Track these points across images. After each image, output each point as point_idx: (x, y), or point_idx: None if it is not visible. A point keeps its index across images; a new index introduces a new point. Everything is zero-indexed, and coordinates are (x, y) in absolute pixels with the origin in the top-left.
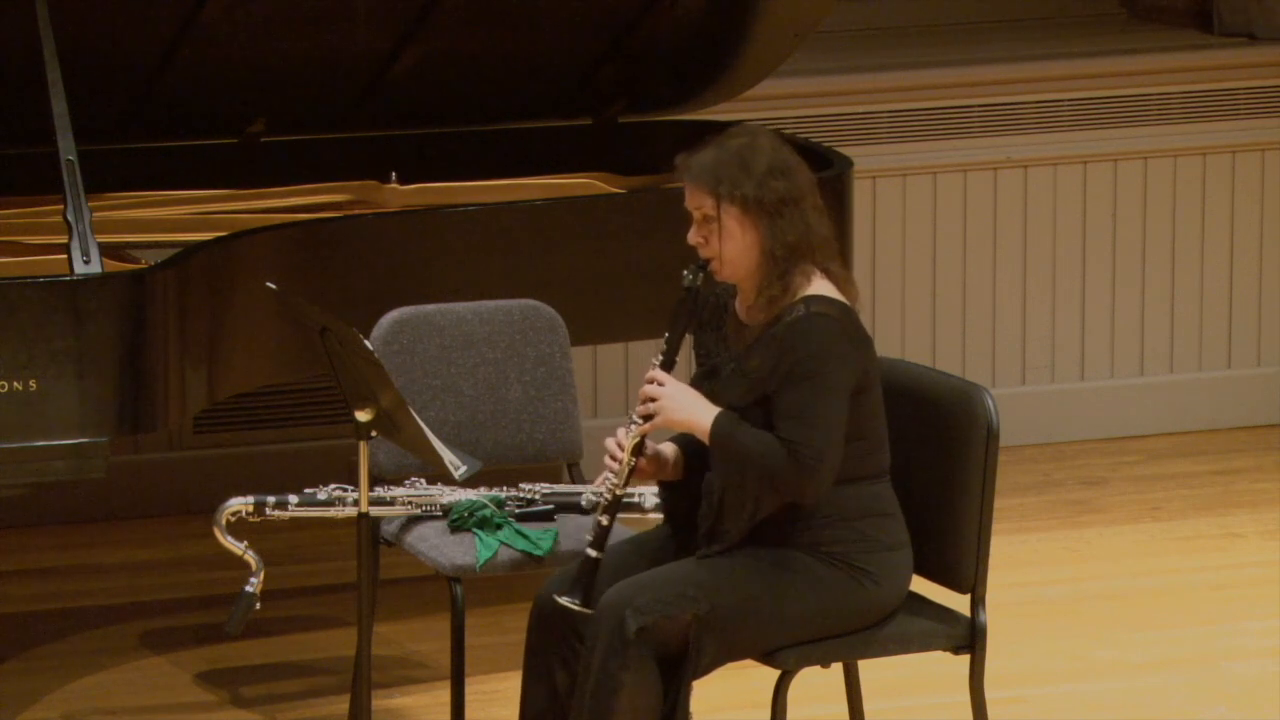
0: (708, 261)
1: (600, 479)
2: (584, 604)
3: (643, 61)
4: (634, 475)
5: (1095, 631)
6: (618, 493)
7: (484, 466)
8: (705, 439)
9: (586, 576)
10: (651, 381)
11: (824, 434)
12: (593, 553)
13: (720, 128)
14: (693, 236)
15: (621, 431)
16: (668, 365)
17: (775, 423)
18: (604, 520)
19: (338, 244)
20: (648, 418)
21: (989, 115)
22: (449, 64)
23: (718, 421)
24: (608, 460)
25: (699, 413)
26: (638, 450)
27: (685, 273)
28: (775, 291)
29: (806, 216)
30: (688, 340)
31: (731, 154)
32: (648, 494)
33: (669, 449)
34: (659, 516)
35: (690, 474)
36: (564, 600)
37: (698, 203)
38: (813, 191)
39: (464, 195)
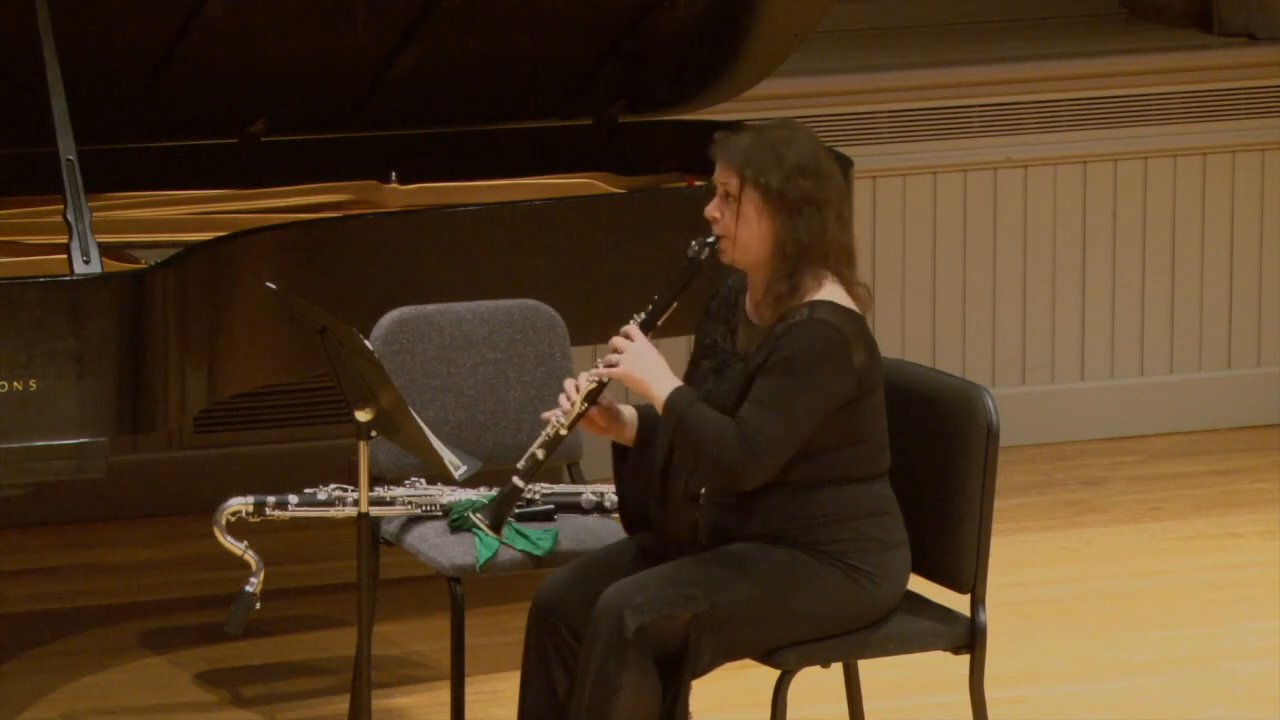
0: (717, 239)
1: (549, 413)
2: (493, 528)
3: (643, 61)
4: (584, 421)
5: (1095, 631)
6: (561, 432)
7: (484, 466)
8: (659, 405)
9: (505, 503)
10: (624, 336)
11: (781, 428)
12: (519, 482)
13: (721, 128)
14: (710, 210)
15: (583, 375)
16: (647, 325)
17: (743, 405)
18: (539, 454)
19: (338, 244)
20: (609, 367)
21: (989, 115)
22: (449, 64)
23: (675, 393)
24: (561, 398)
25: (658, 379)
26: (591, 397)
27: (693, 243)
28: (782, 290)
29: (826, 221)
30: (689, 333)
31: (767, 142)
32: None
33: (628, 410)
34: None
35: (641, 445)
36: (475, 517)
37: (724, 178)
38: (840, 199)
39: (464, 195)
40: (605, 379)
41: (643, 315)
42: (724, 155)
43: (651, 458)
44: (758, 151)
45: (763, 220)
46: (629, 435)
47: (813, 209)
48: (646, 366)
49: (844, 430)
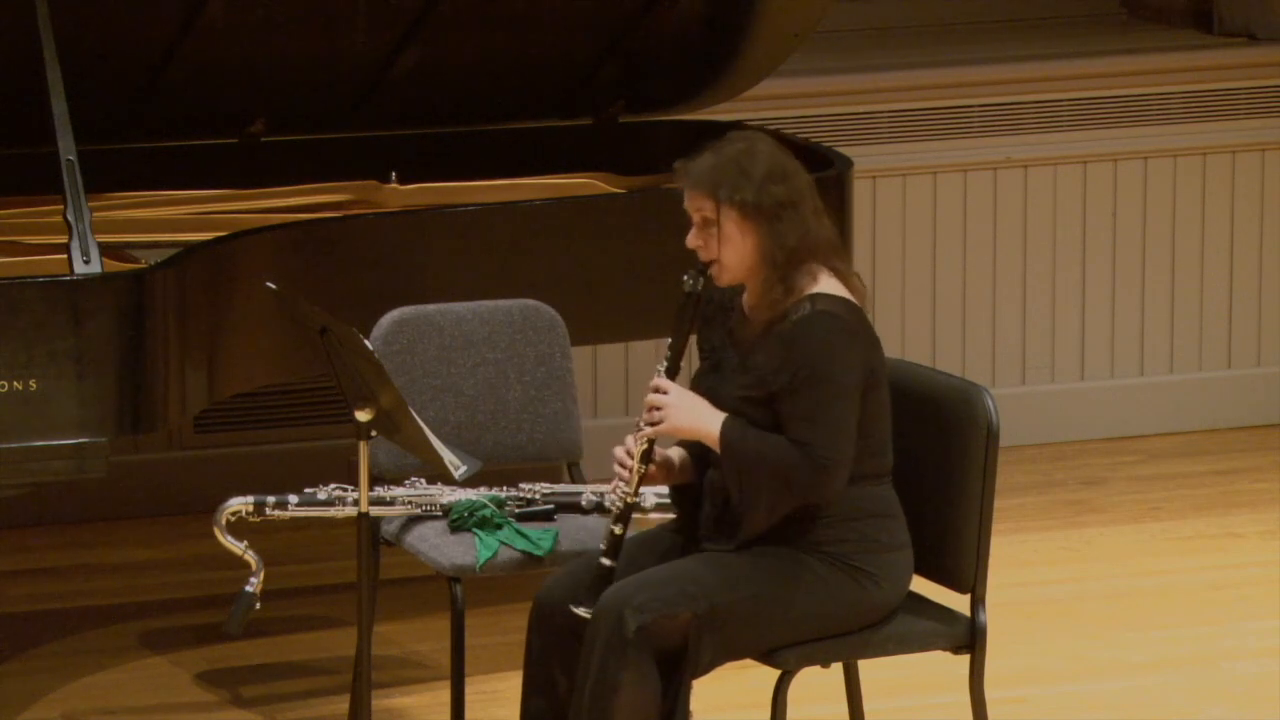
0: (707, 265)
1: (611, 487)
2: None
3: (643, 61)
4: (644, 481)
5: (1095, 631)
6: (630, 500)
7: (484, 466)
8: (714, 445)
9: (600, 586)
10: (656, 390)
11: (836, 434)
12: (607, 562)
13: (720, 128)
14: (691, 240)
15: (630, 439)
16: (671, 372)
17: (786, 425)
18: (617, 529)
19: (338, 244)
20: (653, 426)
21: (989, 115)
22: (449, 64)
23: (726, 427)
24: (617, 468)
25: (705, 420)
26: (646, 457)
27: (685, 278)
28: (778, 294)
29: (805, 219)
30: (691, 345)
31: (730, 159)
32: (648, 494)
33: (676, 453)
34: (661, 517)
35: (701, 476)
36: (580, 611)
37: (697, 205)
38: (811, 194)
39: (464, 195)
40: (653, 437)
41: (664, 363)
42: (691, 182)
43: (711, 484)
44: (723, 171)
45: (746, 236)
46: (686, 477)
47: (790, 211)
48: (690, 413)
49: None
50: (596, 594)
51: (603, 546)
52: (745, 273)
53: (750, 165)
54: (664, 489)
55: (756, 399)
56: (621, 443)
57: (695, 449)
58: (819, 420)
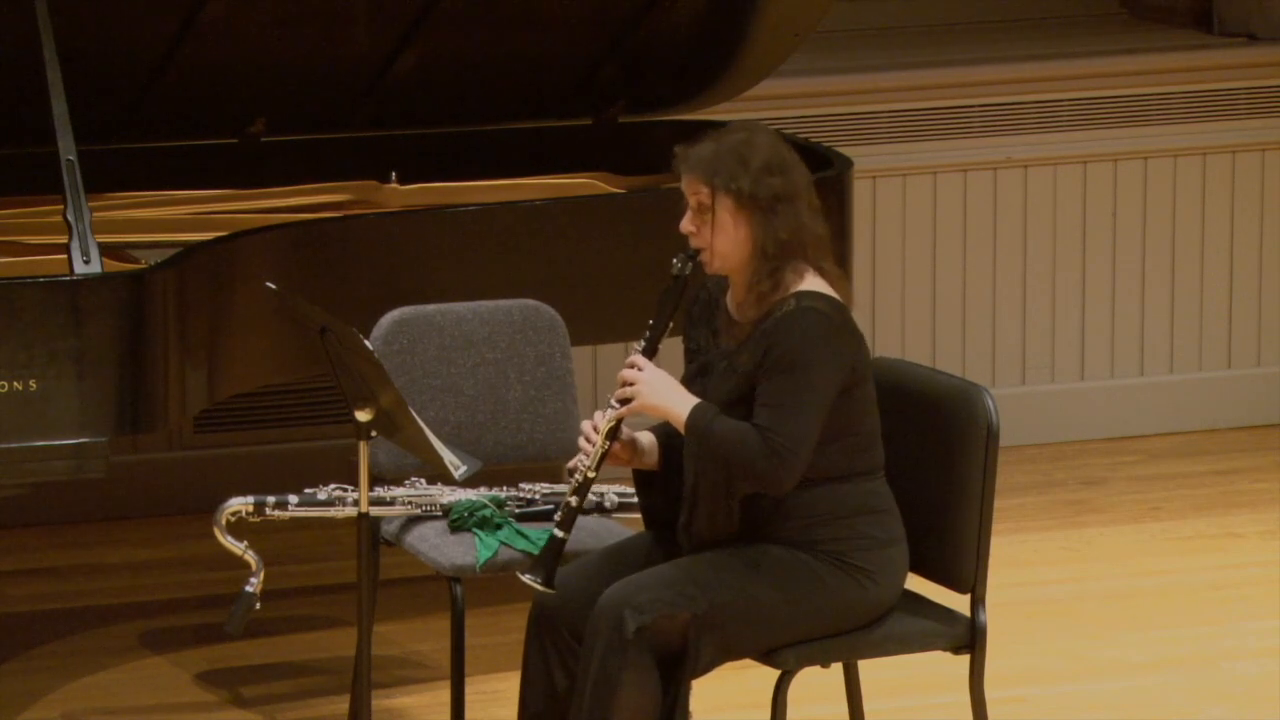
0: (698, 251)
1: (574, 460)
2: (546, 584)
3: (643, 61)
4: (608, 459)
5: (1095, 631)
6: (589, 475)
7: (484, 466)
8: (680, 427)
9: (551, 556)
10: (631, 366)
11: (799, 425)
12: (559, 533)
13: (720, 127)
14: (685, 224)
15: (598, 414)
16: (649, 351)
17: (754, 410)
18: (573, 501)
19: (338, 244)
20: (625, 402)
21: (989, 115)
22: (449, 64)
23: (695, 410)
24: (582, 442)
25: (675, 400)
26: (612, 434)
27: (675, 260)
28: (765, 288)
29: (800, 214)
30: (677, 335)
31: (729, 148)
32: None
33: (646, 438)
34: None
35: (666, 466)
36: (526, 578)
37: (693, 190)
38: (808, 190)
39: (464, 195)
40: (623, 414)
41: (642, 343)
42: (689, 168)
43: (678, 476)
44: (722, 159)
45: (739, 225)
46: (651, 461)
47: (785, 204)
48: (662, 392)
49: (835, 423)
50: (546, 563)
51: (557, 518)
52: (736, 262)
53: (749, 155)
54: (629, 490)
55: (741, 398)
56: (590, 418)
57: (667, 438)
58: (785, 408)
